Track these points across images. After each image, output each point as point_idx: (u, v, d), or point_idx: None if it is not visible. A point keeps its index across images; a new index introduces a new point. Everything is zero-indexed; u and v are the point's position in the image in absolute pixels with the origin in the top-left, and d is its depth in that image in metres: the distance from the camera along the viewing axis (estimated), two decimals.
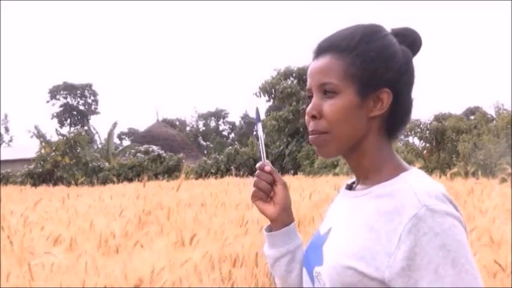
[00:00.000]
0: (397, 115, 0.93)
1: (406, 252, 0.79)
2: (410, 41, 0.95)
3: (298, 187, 9.48)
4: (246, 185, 11.86)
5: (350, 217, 0.92)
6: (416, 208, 0.80)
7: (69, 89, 52.90)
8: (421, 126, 21.24)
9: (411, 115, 0.96)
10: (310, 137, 0.95)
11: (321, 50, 0.94)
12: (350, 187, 1.02)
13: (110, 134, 32.52)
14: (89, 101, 54.38)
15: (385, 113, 0.92)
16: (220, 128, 59.56)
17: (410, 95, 0.95)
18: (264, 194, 1.02)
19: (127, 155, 29.89)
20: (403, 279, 0.79)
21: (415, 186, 0.85)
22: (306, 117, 0.95)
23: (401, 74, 0.91)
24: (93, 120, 53.00)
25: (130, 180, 22.79)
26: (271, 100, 27.30)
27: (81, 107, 53.80)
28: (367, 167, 0.95)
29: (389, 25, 0.98)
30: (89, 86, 54.03)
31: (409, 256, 0.79)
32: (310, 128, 0.94)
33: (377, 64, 0.90)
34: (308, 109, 0.93)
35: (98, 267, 2.60)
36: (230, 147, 27.12)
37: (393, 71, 0.90)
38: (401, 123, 0.95)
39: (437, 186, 0.86)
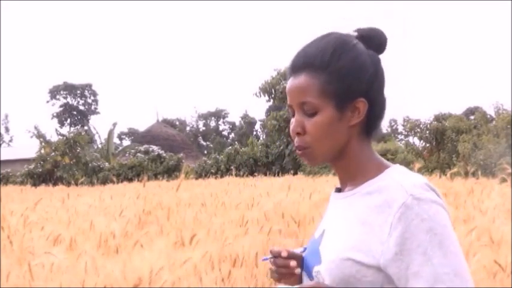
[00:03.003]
0: (373, 117, 1.00)
1: (398, 238, 0.86)
2: (376, 44, 1.00)
3: (298, 187, 9.48)
4: (246, 185, 11.86)
5: (342, 216, 0.97)
6: (404, 198, 0.88)
7: (69, 89, 52.88)
8: (421, 126, 21.24)
9: (385, 113, 1.02)
10: (297, 151, 1.01)
11: (296, 68, 0.98)
12: (339, 190, 1.06)
13: (110, 134, 32.51)
14: (89, 101, 54.37)
15: (364, 118, 0.98)
16: (220, 128, 59.54)
17: (382, 97, 1.01)
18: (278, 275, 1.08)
19: (127, 155, 29.87)
20: (396, 263, 0.85)
21: (400, 179, 0.92)
22: (291, 133, 1.00)
23: (372, 81, 0.97)
24: (93, 120, 53.03)
25: (130, 180, 22.78)
26: (271, 100, 27.27)
27: (81, 107, 53.78)
28: (353, 169, 1.00)
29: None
30: (89, 86, 54.01)
31: (401, 242, 0.85)
32: (295, 144, 1.00)
33: (350, 78, 0.95)
34: (292, 127, 0.99)
35: (98, 267, 2.60)
36: (230, 147, 27.09)
37: (365, 81, 0.97)
38: (378, 122, 1.02)
39: (419, 178, 0.93)
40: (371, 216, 0.90)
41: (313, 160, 1.00)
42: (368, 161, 1.00)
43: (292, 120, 1.00)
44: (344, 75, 0.95)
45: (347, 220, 0.95)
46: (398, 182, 0.91)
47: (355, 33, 1.01)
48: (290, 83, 0.99)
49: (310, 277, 0.98)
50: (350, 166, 1.00)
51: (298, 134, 0.99)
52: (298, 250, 1.12)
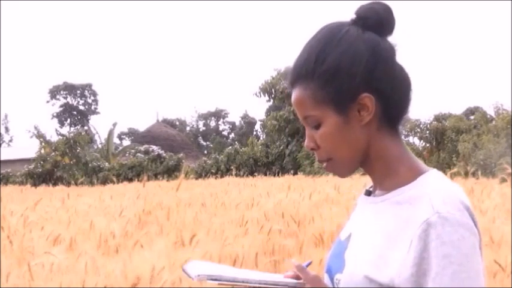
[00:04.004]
0: (391, 106, 0.90)
1: (416, 259, 0.79)
2: (373, 22, 0.89)
3: (298, 187, 9.47)
4: (246, 185, 11.86)
5: (369, 224, 0.91)
6: (429, 214, 0.79)
7: (69, 89, 52.90)
8: (421, 126, 21.25)
9: (411, 91, 0.91)
10: (323, 166, 0.96)
11: (292, 82, 0.93)
12: (369, 193, 1.00)
13: (110, 133, 32.52)
14: (89, 101, 54.42)
15: (377, 111, 0.89)
16: (220, 128, 59.53)
17: (395, 79, 0.89)
18: None
19: (127, 155, 29.87)
20: (410, 285, 0.79)
21: (432, 191, 0.83)
22: (306, 149, 0.96)
23: (371, 69, 0.87)
24: (93, 120, 53.12)
25: (130, 180, 22.78)
26: (271, 100, 27.27)
27: (81, 107, 53.81)
28: (381, 170, 0.93)
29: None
30: (89, 86, 54.04)
31: (418, 262, 0.78)
32: (316, 159, 0.95)
33: (341, 77, 0.87)
34: (305, 143, 0.95)
35: (98, 267, 2.60)
36: (230, 147, 27.11)
37: (361, 73, 0.87)
38: (400, 109, 0.92)
39: (455, 192, 0.84)
40: (396, 230, 0.83)
41: (340, 171, 0.94)
42: (398, 162, 0.91)
43: None
44: (331, 77, 0.87)
45: (373, 230, 0.88)
46: (428, 194, 0.82)
47: (354, 16, 0.91)
48: (291, 98, 0.94)
49: (332, 282, 0.93)
50: (377, 167, 0.93)
51: (313, 149, 0.93)
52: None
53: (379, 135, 0.91)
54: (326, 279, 0.97)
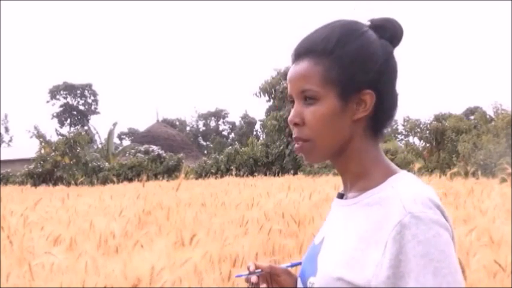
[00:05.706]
0: (382, 113, 0.92)
1: (392, 261, 0.79)
2: (390, 34, 0.92)
3: (298, 187, 9.48)
4: (246, 185, 11.86)
5: (341, 227, 0.91)
6: (401, 215, 0.80)
7: (69, 89, 52.89)
8: (421, 126, 21.29)
9: (396, 111, 0.94)
10: (295, 145, 0.94)
11: (299, 54, 0.92)
12: (342, 195, 1.00)
13: (110, 133, 32.53)
14: (89, 101, 54.39)
15: (369, 113, 0.90)
16: (220, 128, 59.52)
17: (393, 91, 0.93)
18: None
19: (127, 155, 29.86)
20: (387, 286, 0.79)
21: (401, 192, 0.84)
22: (289, 123, 0.93)
23: (382, 73, 0.89)
24: (93, 120, 53.10)
25: (130, 180, 22.77)
26: (271, 100, 27.28)
27: (81, 107, 53.80)
28: (355, 171, 0.93)
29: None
30: (89, 86, 54.02)
31: (395, 264, 0.79)
32: (294, 135, 0.93)
33: (356, 66, 0.88)
34: (290, 117, 0.92)
35: (98, 267, 2.60)
36: (230, 147, 27.09)
37: (373, 71, 0.88)
38: (387, 120, 0.94)
39: (424, 191, 0.85)
40: (368, 232, 0.83)
41: (311, 155, 0.92)
42: (372, 164, 0.92)
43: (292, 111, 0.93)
44: (349, 63, 0.88)
45: (345, 232, 0.89)
46: (398, 195, 0.83)
47: (368, 23, 0.93)
48: (291, 70, 0.92)
49: (305, 286, 0.94)
50: (351, 166, 0.93)
51: (296, 124, 0.91)
52: (284, 265, 1.08)
53: (362, 136, 0.92)
54: (299, 283, 0.97)
